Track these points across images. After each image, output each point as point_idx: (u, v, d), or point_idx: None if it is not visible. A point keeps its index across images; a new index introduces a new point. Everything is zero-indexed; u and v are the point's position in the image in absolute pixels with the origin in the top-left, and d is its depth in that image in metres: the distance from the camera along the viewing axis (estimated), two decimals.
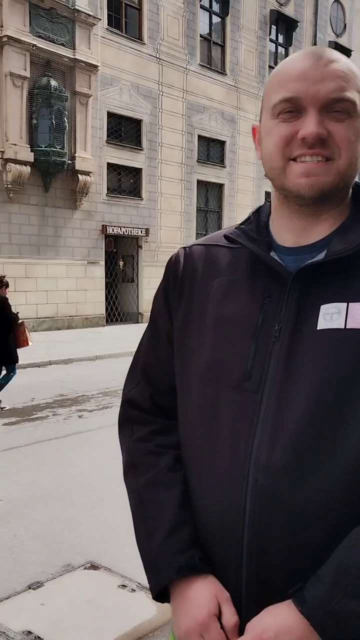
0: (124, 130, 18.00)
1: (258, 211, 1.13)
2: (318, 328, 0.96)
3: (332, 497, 0.93)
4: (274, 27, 23.25)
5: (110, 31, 17.24)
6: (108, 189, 17.45)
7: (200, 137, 20.30)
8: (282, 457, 0.95)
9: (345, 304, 0.96)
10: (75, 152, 16.04)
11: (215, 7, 20.94)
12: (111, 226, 17.52)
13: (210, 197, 21.05)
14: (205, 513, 1.04)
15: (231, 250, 1.10)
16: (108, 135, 17.38)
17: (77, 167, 16.01)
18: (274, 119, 0.99)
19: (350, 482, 0.93)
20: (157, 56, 18.65)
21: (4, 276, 7.83)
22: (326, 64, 0.95)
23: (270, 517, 0.95)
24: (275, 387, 0.98)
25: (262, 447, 0.96)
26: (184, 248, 1.18)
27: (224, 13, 21.13)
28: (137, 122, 18.29)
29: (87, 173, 16.31)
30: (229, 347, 1.03)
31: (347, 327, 0.95)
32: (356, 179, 1.05)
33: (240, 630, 0.96)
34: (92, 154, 16.57)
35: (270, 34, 23.08)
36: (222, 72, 21.19)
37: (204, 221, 20.91)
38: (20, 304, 12.86)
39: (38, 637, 2.78)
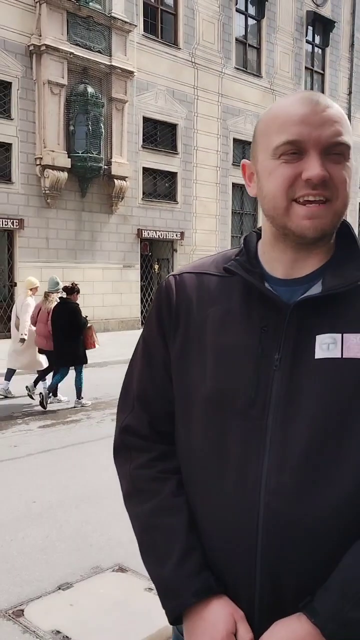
0: (160, 134, 18.15)
1: (247, 241, 1.17)
2: (316, 357, 1.02)
3: (339, 515, 1.00)
4: (310, 28, 23.10)
5: (146, 37, 17.42)
6: (143, 193, 17.63)
7: (235, 140, 20.32)
8: (291, 480, 1.01)
9: (340, 334, 1.02)
10: (111, 158, 16.26)
11: (251, 10, 20.93)
12: (146, 230, 17.69)
13: (245, 199, 21.03)
14: (214, 537, 1.08)
15: (222, 279, 1.14)
16: (144, 140, 17.55)
17: (113, 172, 16.23)
18: (275, 159, 1.03)
19: (354, 500, 1.00)
20: (193, 60, 18.75)
21: (76, 284, 8.61)
22: (324, 109, 1.02)
23: (282, 539, 1.01)
24: (279, 414, 1.03)
25: (271, 472, 1.02)
26: (174, 276, 1.20)
27: (259, 15, 21.10)
28: (173, 127, 18.43)
29: (123, 178, 16.51)
30: (233, 376, 1.07)
31: (343, 356, 1.01)
32: None
33: None
34: (128, 158, 16.77)
35: (306, 35, 22.94)
36: (258, 74, 21.16)
37: (239, 224, 20.90)
38: None
39: (66, 636, 2.89)
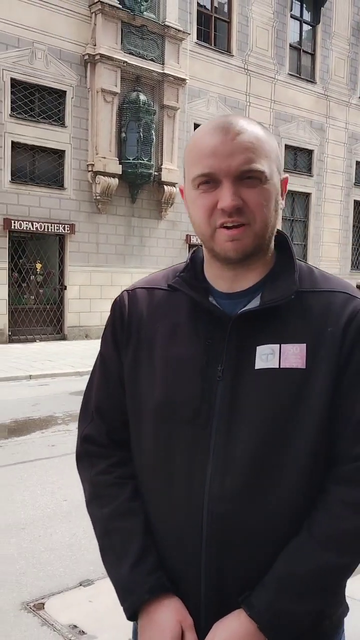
0: None
1: (194, 257, 1.23)
2: (256, 367, 1.08)
3: (279, 517, 1.07)
4: None
5: (199, 45, 17.58)
6: None
7: (287, 146, 20.21)
8: (232, 486, 1.07)
9: (278, 345, 1.08)
10: (161, 164, 16.46)
11: (306, 16, 20.82)
12: (195, 236, 17.70)
13: (296, 206, 20.88)
14: (165, 539, 1.15)
15: (171, 294, 1.20)
16: None
17: (163, 179, 16.42)
18: (195, 189, 1.10)
19: (292, 504, 1.07)
20: (245, 67, 18.79)
21: None
22: (233, 137, 1.07)
23: (224, 541, 1.08)
24: (222, 423, 1.09)
25: (214, 478, 1.08)
26: (127, 291, 1.26)
27: (315, 21, 20.96)
28: None
29: (172, 184, 16.68)
30: (180, 387, 1.13)
31: (281, 366, 1.07)
32: (278, 227, 1.17)
33: None
34: (178, 165, 16.92)
35: None
36: (312, 80, 21.00)
37: (289, 230, 20.75)
38: (105, 310, 13.32)
39: (82, 631, 2.98)
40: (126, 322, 1.22)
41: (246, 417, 1.08)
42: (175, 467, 1.12)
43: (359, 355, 1.08)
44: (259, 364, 1.08)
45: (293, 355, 1.07)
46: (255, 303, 1.12)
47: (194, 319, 1.15)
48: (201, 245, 1.25)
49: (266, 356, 1.08)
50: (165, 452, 1.14)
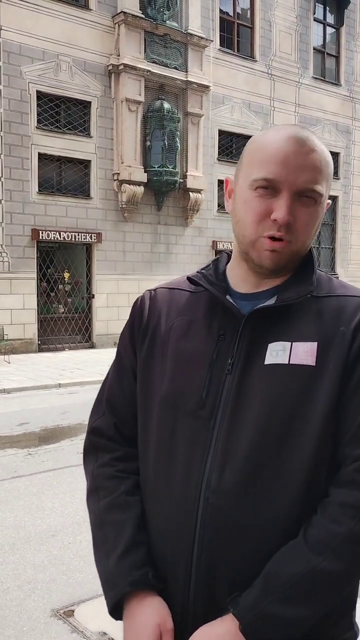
0: (235, 147, 18.23)
1: (217, 261, 1.26)
2: (265, 363, 1.08)
3: (275, 515, 1.04)
4: None
5: (222, 51, 17.61)
6: (219, 205, 17.73)
7: None
8: (231, 479, 1.05)
9: (290, 342, 1.08)
10: (186, 171, 16.50)
11: (330, 19, 20.71)
12: (221, 242, 17.77)
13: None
14: (161, 532, 1.14)
15: (192, 294, 1.22)
16: (219, 153, 17.70)
17: (188, 186, 16.45)
18: (251, 190, 1.10)
19: (290, 502, 1.04)
20: (269, 72, 18.75)
21: None
22: (307, 152, 1.07)
23: (219, 534, 1.06)
24: (226, 415, 1.09)
25: (213, 471, 1.07)
26: (150, 291, 1.30)
27: (338, 24, 20.83)
28: (248, 138, 18.32)
29: (198, 191, 16.71)
30: (187, 378, 1.14)
31: (290, 362, 1.06)
32: None
33: None
34: (203, 171, 16.95)
35: None
36: (337, 83, 20.86)
37: (316, 234, 20.57)
38: None
39: (112, 638, 2.97)
40: (145, 319, 1.24)
41: (251, 411, 1.07)
42: (176, 458, 1.12)
43: None
44: (269, 359, 1.08)
45: (304, 353, 1.07)
46: (271, 301, 1.14)
47: (209, 316, 1.17)
48: (227, 253, 1.27)
49: (276, 352, 1.08)
50: (168, 443, 1.14)
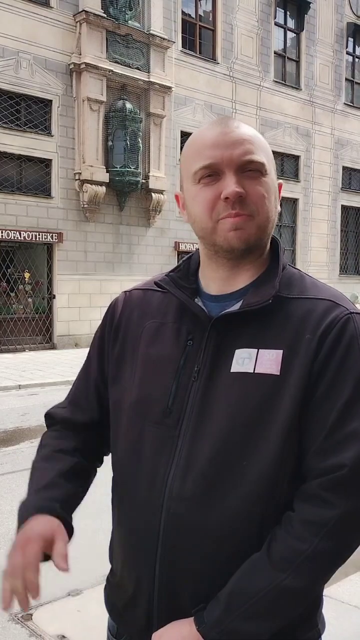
0: None
1: (189, 259, 1.24)
2: (231, 371, 1.06)
3: (235, 524, 1.04)
4: (351, 39, 22.98)
5: (185, 53, 17.66)
6: None
7: (274, 152, 20.01)
8: (192, 488, 1.05)
9: (256, 350, 1.06)
10: (149, 172, 16.48)
11: (290, 23, 20.98)
12: (184, 243, 17.81)
13: (284, 212, 20.95)
14: (127, 538, 1.15)
15: (165, 295, 1.20)
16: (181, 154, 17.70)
17: (150, 186, 16.43)
18: (196, 184, 1.10)
19: (251, 511, 1.03)
20: (231, 75, 18.89)
21: None
22: (233, 129, 1.09)
23: (180, 542, 1.06)
24: (191, 424, 1.08)
25: (175, 479, 1.07)
26: (125, 292, 1.29)
27: (299, 29, 21.12)
28: None
29: (160, 191, 16.71)
30: (154, 385, 1.14)
31: (255, 371, 1.05)
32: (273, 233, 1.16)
33: None
34: (166, 172, 16.96)
35: (347, 46, 22.83)
36: (297, 87, 21.15)
37: (277, 236, 20.78)
38: (95, 319, 13.33)
39: None
40: (116, 321, 1.25)
41: (215, 419, 1.06)
42: (142, 466, 1.12)
43: (334, 368, 1.03)
44: (235, 367, 1.07)
45: (269, 361, 1.05)
46: (237, 306, 1.11)
47: (179, 320, 1.15)
48: (196, 250, 1.25)
49: (242, 360, 1.06)
50: (135, 450, 1.14)
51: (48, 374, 11.44)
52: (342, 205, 22.98)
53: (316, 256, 21.82)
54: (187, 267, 1.21)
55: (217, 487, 1.04)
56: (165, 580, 1.08)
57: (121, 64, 15.78)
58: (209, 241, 1.12)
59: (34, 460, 1.27)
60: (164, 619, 1.07)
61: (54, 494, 1.17)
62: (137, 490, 1.12)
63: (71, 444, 1.26)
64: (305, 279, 1.15)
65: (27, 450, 6.53)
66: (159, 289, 1.21)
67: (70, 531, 1.14)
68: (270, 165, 1.11)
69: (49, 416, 1.34)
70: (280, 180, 1.17)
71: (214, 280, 1.15)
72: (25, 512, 1.14)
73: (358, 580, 3.42)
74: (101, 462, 1.34)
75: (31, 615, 3.19)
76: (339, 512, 0.99)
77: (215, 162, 1.07)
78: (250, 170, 1.07)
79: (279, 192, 1.16)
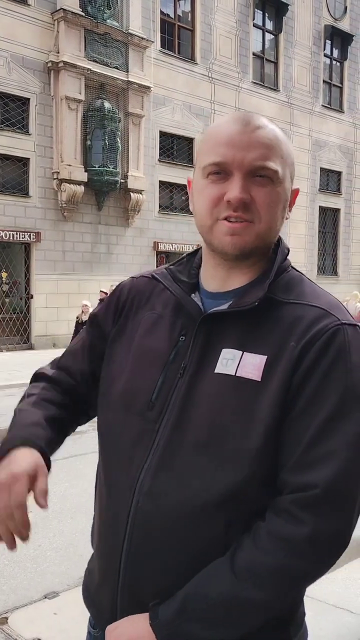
0: (176, 148, 18.31)
1: (194, 253, 1.21)
2: (215, 371, 1.05)
3: (201, 526, 1.02)
4: (328, 41, 23.16)
5: (163, 53, 17.65)
6: (160, 207, 17.76)
7: None
8: (162, 484, 1.04)
9: (241, 352, 1.04)
10: (127, 171, 16.44)
11: (269, 25, 21.09)
12: (163, 243, 17.80)
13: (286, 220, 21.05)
14: (99, 526, 1.16)
15: (167, 287, 1.17)
16: (160, 154, 17.72)
17: (129, 186, 16.39)
18: (204, 178, 1.07)
19: (218, 515, 1.02)
20: (210, 75, 18.92)
21: None
22: (253, 130, 1.03)
23: (146, 537, 1.05)
24: (171, 420, 1.06)
25: (148, 473, 1.06)
26: (133, 277, 1.28)
27: (277, 30, 21.24)
28: (189, 141, 18.57)
29: (139, 191, 16.67)
30: (142, 377, 1.12)
31: (237, 374, 1.02)
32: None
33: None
34: (145, 172, 16.93)
35: (324, 49, 23.01)
36: (275, 88, 21.26)
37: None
38: (73, 319, 13.23)
39: None
40: (120, 305, 1.23)
41: (193, 418, 1.04)
42: (120, 458, 1.11)
43: (317, 381, 0.99)
44: (219, 367, 1.05)
45: (251, 365, 1.02)
46: (224, 306, 1.09)
47: (176, 313, 1.14)
48: (201, 248, 1.22)
49: (226, 361, 1.04)
50: (115, 441, 1.13)
51: (25, 375, 11.20)
52: (319, 207, 23.16)
53: (294, 257, 21.78)
54: (190, 261, 1.20)
55: (187, 487, 1.03)
56: (129, 574, 1.07)
57: (99, 63, 15.71)
58: (206, 239, 1.10)
59: (18, 405, 1.25)
60: (126, 612, 1.06)
61: (39, 432, 1.15)
62: (114, 480, 1.12)
63: (58, 397, 1.25)
64: (305, 284, 1.11)
65: None
66: (156, 280, 1.21)
67: (49, 468, 1.13)
68: (286, 173, 1.06)
69: (38, 376, 1.32)
70: (298, 187, 1.13)
71: (214, 278, 1.13)
72: (10, 443, 1.12)
73: (335, 578, 3.43)
74: (78, 425, 1.34)
75: (6, 619, 3.14)
76: (307, 530, 0.96)
77: (226, 161, 1.03)
78: (260, 176, 1.03)
79: (294, 199, 1.12)
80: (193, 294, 1.14)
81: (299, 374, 0.99)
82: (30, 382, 1.33)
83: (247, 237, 1.04)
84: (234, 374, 1.03)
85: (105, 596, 1.12)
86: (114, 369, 1.18)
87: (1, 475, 1.05)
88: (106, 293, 13.22)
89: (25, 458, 1.07)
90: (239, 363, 1.03)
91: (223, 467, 1.01)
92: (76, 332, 11.18)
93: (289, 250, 1.16)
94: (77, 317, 12.03)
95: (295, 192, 1.13)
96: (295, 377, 0.99)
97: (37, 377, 1.32)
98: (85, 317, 11.19)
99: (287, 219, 1.11)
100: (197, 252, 1.21)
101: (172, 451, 1.05)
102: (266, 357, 1.02)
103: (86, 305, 11.61)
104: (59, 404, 1.24)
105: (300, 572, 0.98)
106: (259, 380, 1.01)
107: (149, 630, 1.00)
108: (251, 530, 1.00)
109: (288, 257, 1.16)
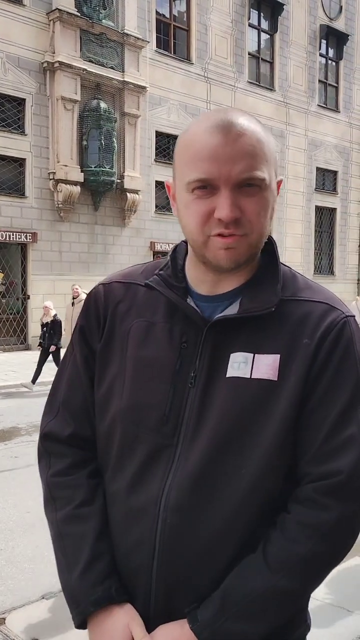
0: (172, 148, 18.21)
1: (174, 254, 1.17)
2: (227, 375, 1.04)
3: (231, 530, 1.03)
4: (323, 41, 23.19)
5: (159, 53, 17.65)
6: (156, 207, 17.76)
7: None
8: (188, 497, 1.04)
9: (252, 354, 1.03)
10: (124, 172, 16.43)
11: (264, 25, 21.10)
12: (159, 242, 17.80)
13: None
14: (121, 544, 1.11)
15: (149, 291, 1.13)
16: (156, 154, 17.72)
17: (125, 186, 16.39)
18: (189, 193, 1.02)
19: (247, 518, 1.03)
20: (205, 75, 18.92)
21: None
22: (235, 139, 0.98)
23: (176, 551, 1.04)
24: (189, 432, 1.05)
25: (172, 489, 1.04)
26: (103, 284, 1.20)
27: (272, 30, 21.25)
28: None
29: (135, 191, 16.67)
30: (149, 391, 1.08)
31: (252, 376, 1.02)
32: None
33: None
34: (141, 172, 16.93)
35: (320, 48, 23.04)
36: (271, 88, 21.28)
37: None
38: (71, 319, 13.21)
39: None
40: (101, 316, 1.16)
41: (210, 426, 1.03)
42: (136, 474, 1.09)
43: (331, 373, 1.02)
44: (230, 371, 1.04)
45: (266, 366, 1.02)
46: (234, 308, 1.07)
47: (170, 319, 1.10)
48: (185, 242, 1.17)
49: (238, 364, 1.03)
50: (129, 459, 1.10)
51: (22, 375, 11.30)
52: (315, 206, 23.19)
53: (291, 256, 21.97)
54: (174, 264, 1.14)
55: (214, 496, 1.03)
56: (162, 588, 1.06)
57: (95, 63, 15.70)
58: (198, 252, 1.06)
59: (52, 519, 1.16)
60: (161, 622, 1.06)
61: (101, 569, 1.09)
62: (132, 499, 1.09)
63: (85, 487, 1.15)
64: (298, 279, 1.12)
65: (1, 452, 6.45)
66: (142, 284, 1.15)
67: (127, 595, 1.09)
68: (272, 174, 1.04)
69: (48, 437, 1.20)
70: (281, 177, 1.10)
71: (204, 282, 1.11)
72: (83, 608, 1.07)
73: (333, 576, 3.44)
74: None
75: (4, 619, 3.14)
76: (334, 515, 0.99)
77: (211, 178, 0.99)
78: (248, 185, 1.00)
79: (278, 190, 1.09)
80: (187, 299, 1.11)
81: (315, 368, 1.02)
82: (40, 453, 1.22)
83: (241, 250, 1.03)
84: (249, 377, 1.03)
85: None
86: (108, 382, 1.13)
87: None
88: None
89: (116, 629, 1.05)
90: (253, 365, 1.03)
91: (248, 469, 1.02)
92: (42, 335, 10.57)
93: (275, 243, 1.15)
94: (40, 319, 11.16)
95: (279, 183, 1.10)
96: (312, 372, 1.02)
97: (47, 444, 1.20)
98: (46, 320, 10.64)
99: (275, 211, 1.09)
100: (176, 253, 1.17)
101: (195, 463, 1.04)
102: (279, 355, 1.03)
103: (47, 307, 10.81)
104: (92, 490, 1.15)
105: (329, 556, 1.02)
106: (276, 379, 1.02)
107: (189, 635, 1.00)
108: (277, 524, 1.03)
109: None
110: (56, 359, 10.33)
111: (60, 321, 10.65)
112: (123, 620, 1.06)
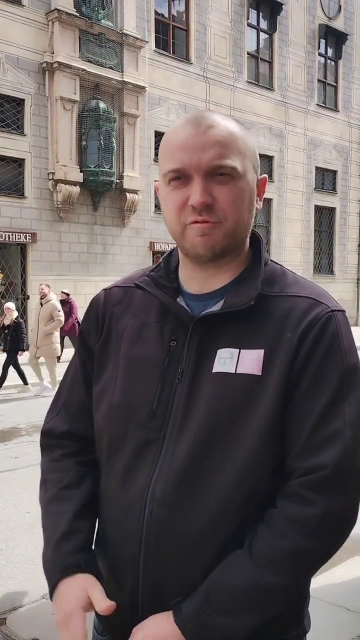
0: None
1: (169, 256, 1.21)
2: (213, 371, 1.06)
3: (218, 525, 1.04)
4: (322, 41, 23.19)
5: (158, 53, 17.65)
6: (156, 207, 17.75)
7: None
8: (173, 489, 1.05)
9: (238, 350, 1.05)
10: (123, 172, 16.43)
11: (263, 24, 21.10)
12: (159, 242, 17.80)
13: (258, 212, 20.99)
14: (111, 538, 1.14)
15: (145, 293, 1.17)
16: (156, 154, 17.70)
17: (125, 186, 16.39)
18: (166, 185, 1.08)
19: (232, 512, 1.04)
20: (204, 75, 18.93)
21: None
22: (205, 130, 1.03)
23: (163, 544, 1.06)
24: (175, 426, 1.07)
25: (158, 482, 1.06)
26: (105, 290, 1.26)
27: (271, 29, 21.26)
28: None
29: (135, 191, 16.67)
30: (138, 387, 1.12)
31: (237, 371, 1.04)
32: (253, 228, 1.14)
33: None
34: (140, 172, 16.93)
35: (319, 48, 23.04)
36: (270, 87, 21.28)
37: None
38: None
39: None
40: (100, 320, 1.22)
41: (196, 420, 1.05)
42: (125, 468, 1.11)
43: (315, 367, 1.03)
44: (216, 367, 1.06)
45: (250, 361, 1.04)
46: (219, 305, 1.10)
47: (162, 319, 1.13)
48: (176, 247, 1.22)
49: (224, 360, 1.05)
50: (119, 452, 1.13)
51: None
52: (315, 206, 23.19)
53: (290, 256, 21.98)
54: (167, 265, 1.19)
55: (199, 489, 1.04)
56: (150, 580, 1.07)
57: (94, 63, 15.70)
58: (179, 244, 1.11)
59: (42, 499, 1.22)
60: (149, 613, 1.07)
61: (74, 543, 1.12)
62: (121, 491, 1.12)
63: (73, 471, 1.21)
64: (287, 276, 1.14)
65: (1, 453, 6.45)
66: (139, 288, 1.19)
67: (99, 571, 1.12)
68: (247, 166, 1.06)
69: (49, 433, 1.27)
70: (265, 175, 1.14)
71: (194, 280, 1.14)
72: (52, 576, 1.11)
73: (332, 575, 3.44)
74: None
75: (5, 619, 3.15)
76: (320, 510, 0.99)
77: (183, 166, 1.03)
78: (220, 174, 1.03)
79: (262, 188, 1.13)
80: (178, 298, 1.14)
81: (298, 363, 1.03)
82: (41, 447, 1.28)
83: (216, 237, 1.05)
84: (234, 372, 1.04)
85: (124, 603, 1.10)
86: (104, 381, 1.17)
87: (58, 615, 1.07)
88: (67, 294, 13.09)
89: (72, 592, 1.06)
90: (238, 361, 1.04)
91: (232, 463, 1.03)
92: (4, 337, 10.36)
93: (262, 240, 1.18)
94: (1, 321, 10.90)
95: (263, 181, 1.13)
96: (295, 366, 1.03)
97: (47, 439, 1.27)
98: (5, 322, 10.37)
99: (258, 209, 1.12)
100: (171, 255, 1.21)
101: (181, 456, 1.05)
102: (263, 350, 1.04)
103: (9, 308, 10.39)
104: (79, 476, 1.20)
105: (315, 552, 1.02)
106: (260, 374, 1.03)
107: (173, 627, 1.01)
108: (264, 519, 1.03)
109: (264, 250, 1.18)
110: (15, 364, 10.12)
111: (21, 322, 10.33)
112: (81, 584, 1.06)
